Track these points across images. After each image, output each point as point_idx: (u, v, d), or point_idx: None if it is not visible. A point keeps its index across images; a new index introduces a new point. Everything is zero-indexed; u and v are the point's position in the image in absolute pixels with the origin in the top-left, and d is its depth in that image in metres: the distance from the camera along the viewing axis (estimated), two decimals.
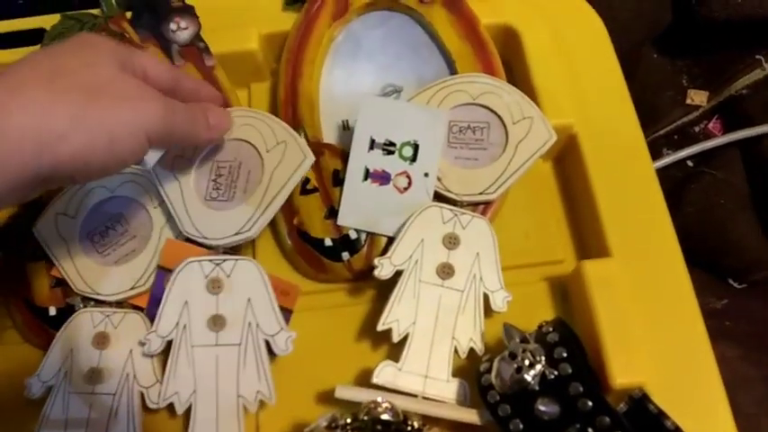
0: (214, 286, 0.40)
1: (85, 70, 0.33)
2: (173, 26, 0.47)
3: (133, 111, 0.33)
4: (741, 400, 0.62)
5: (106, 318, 0.42)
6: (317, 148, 0.46)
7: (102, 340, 0.41)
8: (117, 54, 0.35)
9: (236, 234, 0.42)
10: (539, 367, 0.36)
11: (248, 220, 0.42)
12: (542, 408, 0.35)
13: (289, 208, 0.45)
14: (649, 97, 0.81)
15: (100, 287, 0.42)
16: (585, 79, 0.49)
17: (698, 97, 0.81)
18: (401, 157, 0.44)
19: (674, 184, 0.76)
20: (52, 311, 0.43)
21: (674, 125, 0.81)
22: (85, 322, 0.42)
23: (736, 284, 0.73)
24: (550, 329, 0.38)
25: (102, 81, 0.33)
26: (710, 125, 0.81)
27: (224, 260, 0.41)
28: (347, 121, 0.48)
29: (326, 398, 0.41)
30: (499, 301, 0.41)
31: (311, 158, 0.43)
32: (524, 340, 0.38)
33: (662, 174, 0.61)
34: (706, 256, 0.70)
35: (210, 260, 0.41)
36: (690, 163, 0.79)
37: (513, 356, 0.37)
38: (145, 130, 0.34)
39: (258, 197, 0.42)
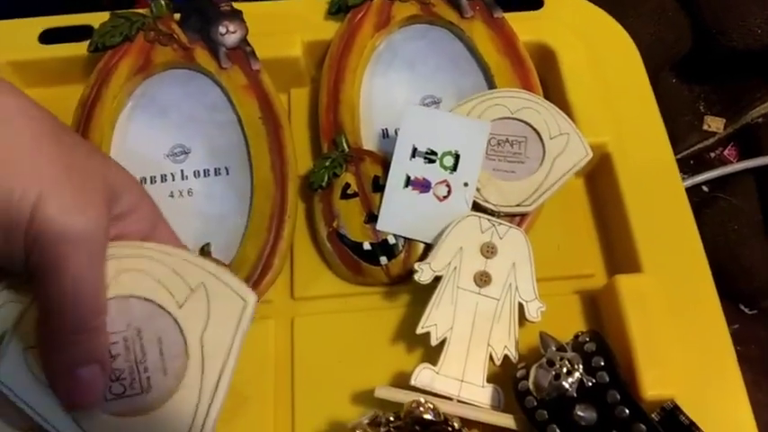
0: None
1: None
2: (221, 29, 0.48)
3: None
4: None
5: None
6: (358, 154, 0.47)
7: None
8: None
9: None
10: (577, 375, 0.37)
11: (193, 420, 0.28)
12: (581, 413, 0.36)
13: (328, 212, 0.46)
14: (667, 122, 0.82)
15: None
16: (619, 98, 0.50)
17: (714, 124, 0.83)
18: (442, 166, 0.45)
19: None
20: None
21: (690, 150, 0.82)
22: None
23: (747, 310, 0.74)
24: (587, 339, 0.39)
25: None
26: (726, 152, 0.82)
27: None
28: (387, 129, 0.49)
29: (363, 399, 0.42)
30: (533, 311, 0.42)
31: (252, 299, 0.31)
32: (561, 349, 0.39)
33: None
34: (718, 281, 0.71)
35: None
36: (705, 188, 0.80)
37: (550, 364, 0.38)
38: None
39: (195, 378, 0.29)
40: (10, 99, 0.28)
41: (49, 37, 0.53)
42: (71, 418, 0.27)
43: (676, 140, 0.83)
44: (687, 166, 0.82)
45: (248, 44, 0.49)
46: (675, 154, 0.81)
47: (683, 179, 0.77)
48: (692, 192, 0.79)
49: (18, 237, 0.26)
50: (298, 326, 0.45)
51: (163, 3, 0.50)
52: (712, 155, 0.82)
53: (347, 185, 0.46)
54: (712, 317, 0.43)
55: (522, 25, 0.51)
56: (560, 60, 0.51)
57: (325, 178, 0.46)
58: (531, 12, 0.54)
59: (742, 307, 0.74)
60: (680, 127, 0.83)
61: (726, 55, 0.77)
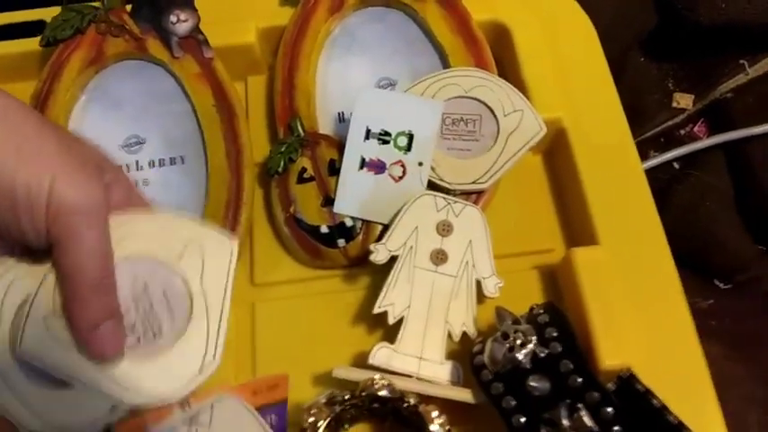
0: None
1: None
2: (173, 18, 0.48)
3: None
4: (728, 398, 0.63)
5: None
6: (314, 138, 0.47)
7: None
8: None
9: (201, 372, 0.32)
10: (530, 346, 0.37)
11: (206, 350, 0.32)
12: (534, 384, 0.36)
13: (285, 197, 0.46)
14: (635, 100, 0.82)
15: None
16: (574, 76, 0.50)
17: (683, 100, 0.83)
18: (396, 146, 0.45)
19: (660, 186, 0.77)
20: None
21: (660, 128, 0.83)
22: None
23: (721, 285, 0.74)
24: (541, 311, 0.39)
25: None
26: (696, 128, 0.82)
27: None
28: (343, 113, 0.49)
29: (323, 380, 0.42)
30: (491, 287, 0.42)
31: (235, 241, 0.35)
32: (516, 322, 0.39)
33: (648, 175, 0.62)
34: (692, 257, 0.72)
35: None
36: (676, 165, 0.80)
37: (505, 337, 0.38)
38: None
39: (201, 317, 0.32)
40: (3, 98, 0.31)
41: (1, 33, 0.53)
42: (97, 371, 0.30)
43: (645, 118, 0.83)
44: (657, 143, 0.82)
45: (200, 32, 0.49)
46: (645, 132, 0.82)
47: (653, 156, 0.78)
48: (662, 169, 0.79)
49: (40, 216, 0.30)
50: (258, 311, 0.45)
51: None
52: (682, 132, 0.83)
53: (303, 170, 0.46)
54: (669, 287, 0.43)
55: (477, 4, 0.51)
56: (515, 38, 0.51)
57: (281, 163, 0.46)
58: None
59: (716, 282, 0.74)
60: (649, 105, 0.83)
61: (692, 31, 0.78)
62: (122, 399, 0.30)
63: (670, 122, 0.82)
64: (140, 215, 0.34)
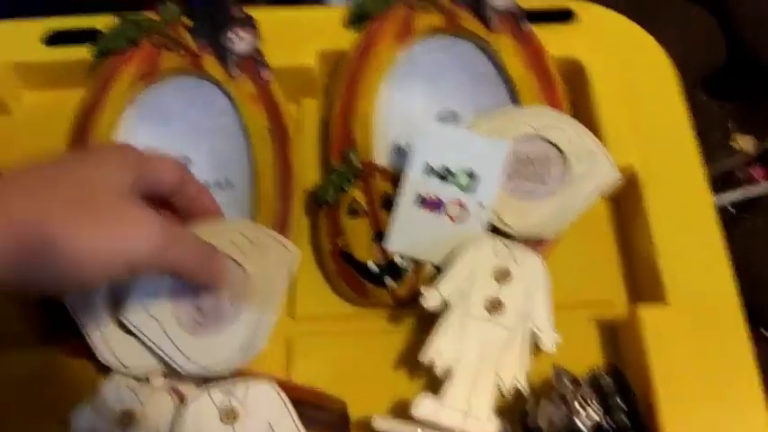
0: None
1: (81, 184, 0.32)
2: (231, 36, 0.47)
3: (113, 237, 0.31)
4: None
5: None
6: (369, 169, 0.45)
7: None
8: (126, 168, 0.34)
9: (246, 353, 0.38)
10: (593, 414, 0.34)
11: (254, 335, 0.38)
12: None
13: (333, 228, 0.44)
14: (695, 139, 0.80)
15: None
16: (650, 117, 0.47)
17: (744, 142, 0.80)
18: (457, 185, 0.42)
19: None
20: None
21: (718, 169, 0.79)
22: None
23: None
24: (605, 376, 0.36)
25: (93, 198, 0.31)
26: (755, 171, 0.79)
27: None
28: (400, 143, 0.47)
29: (360, 427, 0.40)
30: (548, 343, 0.39)
31: (297, 251, 0.40)
32: (576, 383, 0.36)
33: None
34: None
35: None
36: (731, 208, 0.77)
37: (563, 399, 0.35)
38: (126, 260, 0.31)
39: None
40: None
41: (54, 38, 0.52)
42: (172, 343, 0.38)
43: (704, 159, 0.80)
44: (714, 184, 0.78)
45: (259, 52, 0.47)
46: None
47: None
48: (718, 211, 0.76)
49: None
50: (297, 346, 0.43)
51: (172, 6, 0.49)
52: (740, 174, 0.79)
53: (355, 201, 0.44)
54: (740, 355, 0.40)
55: (551, 38, 0.49)
56: (590, 76, 0.48)
57: (332, 193, 0.44)
58: (561, 24, 0.51)
59: (762, 330, 0.71)
60: (708, 144, 0.80)
61: (759, 72, 0.74)
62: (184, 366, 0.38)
63: (729, 164, 0.79)
64: (224, 222, 0.40)
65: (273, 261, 0.39)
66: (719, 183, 0.78)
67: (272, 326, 0.38)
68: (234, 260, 0.39)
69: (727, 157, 0.79)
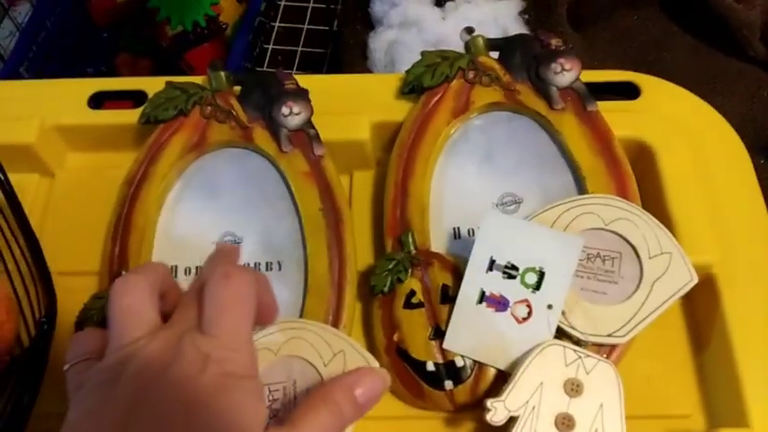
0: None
1: None
2: (285, 110, 0.44)
3: None
4: None
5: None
6: (426, 257, 0.42)
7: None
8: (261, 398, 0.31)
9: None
10: None
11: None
12: None
13: (389, 321, 0.41)
14: None
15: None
16: (727, 209, 0.44)
17: None
18: (523, 283, 0.39)
19: None
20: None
21: None
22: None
23: None
24: None
25: None
26: None
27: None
28: (458, 228, 0.44)
29: None
30: None
31: (375, 364, 0.37)
32: None
33: None
34: None
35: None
36: None
37: None
38: None
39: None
40: None
41: (99, 98, 0.50)
42: None
43: None
44: None
45: (312, 126, 0.45)
46: None
47: None
48: None
49: None
50: None
51: (223, 75, 0.46)
52: None
53: (412, 293, 0.41)
54: None
55: (617, 117, 0.46)
56: (660, 161, 0.45)
57: (388, 283, 0.42)
58: (627, 101, 0.48)
59: None
60: None
61: None
62: None
63: None
64: (312, 323, 0.39)
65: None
66: None
67: None
68: (313, 366, 0.37)
69: None
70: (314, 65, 0.92)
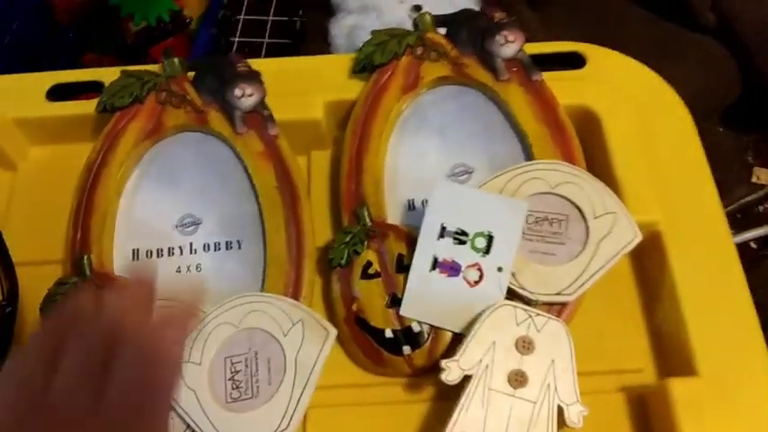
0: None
1: None
2: (238, 92, 0.45)
3: None
4: None
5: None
6: (382, 229, 0.43)
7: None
8: None
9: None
10: None
11: (283, 416, 0.37)
12: None
13: (347, 292, 0.42)
14: (713, 173, 0.78)
15: None
16: (670, 170, 0.46)
17: (764, 176, 0.78)
18: (473, 248, 0.41)
19: None
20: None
21: (737, 204, 0.77)
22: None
23: None
24: None
25: None
26: None
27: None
28: (413, 200, 0.46)
29: None
30: (574, 416, 0.37)
31: (333, 331, 0.39)
32: None
33: None
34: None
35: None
36: (753, 245, 0.75)
37: None
38: None
39: (288, 387, 0.38)
40: None
41: (58, 91, 0.51)
42: (205, 415, 0.38)
43: (722, 193, 0.78)
44: (734, 220, 0.76)
45: (266, 107, 0.46)
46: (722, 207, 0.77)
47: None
48: (738, 248, 0.74)
49: None
50: (311, 418, 0.41)
51: (176, 61, 0.47)
52: (761, 208, 0.77)
53: (368, 264, 0.42)
54: None
55: (563, 87, 0.47)
56: (605, 126, 0.46)
57: (345, 256, 0.43)
58: (572, 71, 0.49)
59: None
60: (726, 178, 0.78)
61: None
62: None
63: (748, 198, 0.77)
64: (271, 296, 0.40)
65: (309, 340, 0.39)
66: (740, 218, 0.77)
67: (305, 407, 0.38)
68: (273, 337, 0.39)
69: (746, 192, 0.77)
70: (280, 55, 0.92)
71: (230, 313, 0.40)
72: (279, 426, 0.37)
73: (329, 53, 0.75)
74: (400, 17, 0.72)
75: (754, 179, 0.78)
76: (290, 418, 0.37)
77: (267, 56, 0.92)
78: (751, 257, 0.72)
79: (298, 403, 0.38)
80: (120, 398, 0.27)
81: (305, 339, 0.39)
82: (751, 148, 0.79)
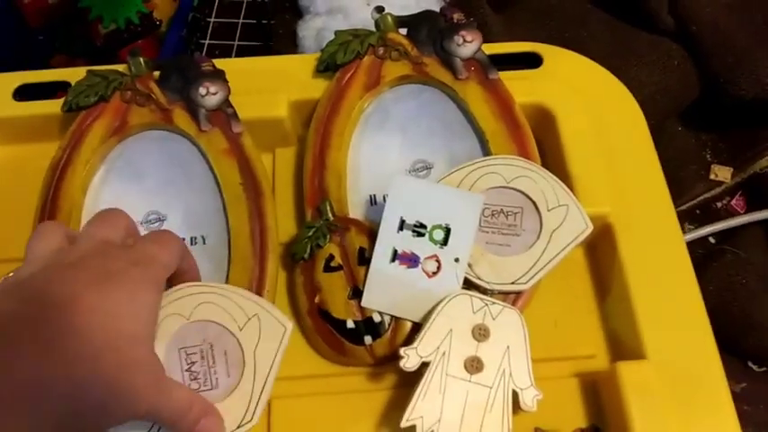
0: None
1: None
2: (202, 90, 0.46)
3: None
4: None
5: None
6: (344, 223, 0.44)
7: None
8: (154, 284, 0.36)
9: (239, 427, 0.37)
10: None
11: (246, 409, 0.37)
12: None
13: (310, 285, 0.43)
14: (672, 171, 0.79)
15: None
16: (621, 164, 0.47)
17: (721, 173, 0.80)
18: (432, 240, 0.42)
19: (696, 262, 0.73)
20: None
21: (696, 200, 0.79)
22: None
23: (755, 368, 0.70)
24: None
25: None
26: (733, 202, 0.79)
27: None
28: (375, 196, 0.47)
29: None
30: (529, 400, 0.39)
31: (290, 326, 0.39)
32: None
33: None
34: (725, 337, 0.68)
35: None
36: (712, 240, 0.77)
37: None
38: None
39: (249, 381, 0.38)
40: None
41: (26, 91, 0.51)
42: None
43: (682, 190, 0.80)
44: (693, 216, 0.79)
45: (230, 105, 0.47)
46: (681, 204, 0.79)
47: (689, 230, 0.74)
48: (697, 244, 0.76)
49: None
50: (275, 409, 0.42)
51: (142, 61, 0.48)
52: (719, 205, 0.79)
53: (331, 257, 0.44)
54: (721, 410, 0.40)
55: (520, 85, 0.49)
56: (560, 123, 0.48)
57: (308, 249, 0.44)
58: (529, 71, 0.51)
59: (750, 364, 0.70)
60: (686, 176, 0.80)
61: (734, 104, 0.75)
62: None
63: (707, 195, 0.79)
64: (222, 287, 0.40)
65: (267, 335, 0.38)
66: (699, 214, 0.79)
67: (267, 398, 0.38)
68: (228, 330, 0.38)
69: (705, 189, 0.79)
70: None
71: (178, 303, 0.39)
72: (243, 418, 0.37)
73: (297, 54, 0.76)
74: (367, 19, 0.73)
75: (712, 176, 0.80)
76: (254, 411, 0.37)
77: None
78: (709, 251, 0.75)
79: (260, 396, 0.38)
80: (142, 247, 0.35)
81: (262, 335, 0.38)
82: (709, 147, 0.82)
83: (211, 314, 0.39)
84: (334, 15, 0.73)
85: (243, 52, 0.94)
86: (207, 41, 0.95)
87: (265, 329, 0.39)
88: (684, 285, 0.43)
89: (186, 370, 0.38)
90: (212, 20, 0.97)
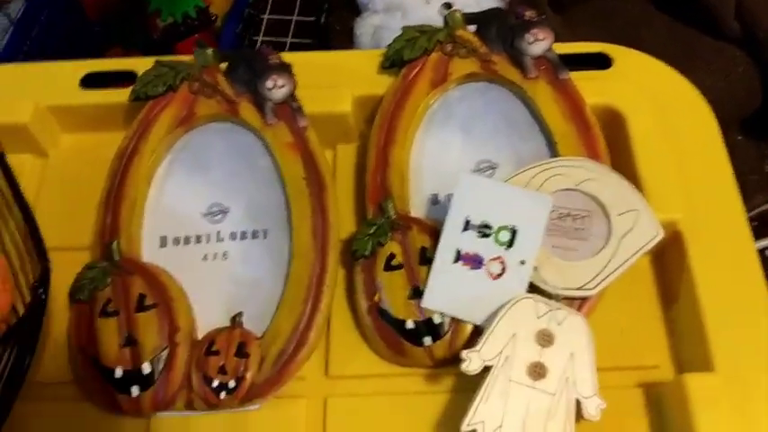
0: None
1: None
2: (269, 83, 0.46)
3: None
4: None
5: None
6: (406, 222, 0.44)
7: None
8: None
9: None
10: None
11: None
12: None
13: (370, 283, 0.43)
14: None
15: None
16: (692, 169, 0.46)
17: None
18: (497, 241, 0.41)
19: None
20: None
21: (755, 211, 0.77)
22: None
23: None
24: None
25: None
26: None
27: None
28: (437, 194, 0.46)
29: None
30: (592, 409, 0.38)
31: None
32: None
33: None
34: None
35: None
36: None
37: None
38: None
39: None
40: None
41: (91, 80, 0.52)
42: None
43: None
44: (751, 228, 0.77)
45: (295, 99, 0.47)
46: None
47: None
48: None
49: None
50: (331, 407, 0.42)
51: (209, 52, 0.48)
52: None
53: (392, 256, 0.43)
54: None
55: (589, 86, 0.48)
56: (630, 126, 0.47)
57: (369, 247, 0.43)
58: (599, 71, 0.50)
59: None
60: (745, 187, 0.78)
61: None
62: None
63: (765, 207, 0.77)
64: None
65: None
66: (756, 225, 0.77)
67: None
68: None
69: (764, 200, 0.77)
70: None
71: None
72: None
73: None
74: (425, 17, 0.73)
75: None
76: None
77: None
78: (765, 264, 0.73)
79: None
80: None
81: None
82: None
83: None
84: (393, 13, 0.73)
85: (295, 49, 0.94)
86: (260, 38, 0.96)
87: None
88: (755, 297, 0.42)
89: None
90: (266, 16, 0.98)
